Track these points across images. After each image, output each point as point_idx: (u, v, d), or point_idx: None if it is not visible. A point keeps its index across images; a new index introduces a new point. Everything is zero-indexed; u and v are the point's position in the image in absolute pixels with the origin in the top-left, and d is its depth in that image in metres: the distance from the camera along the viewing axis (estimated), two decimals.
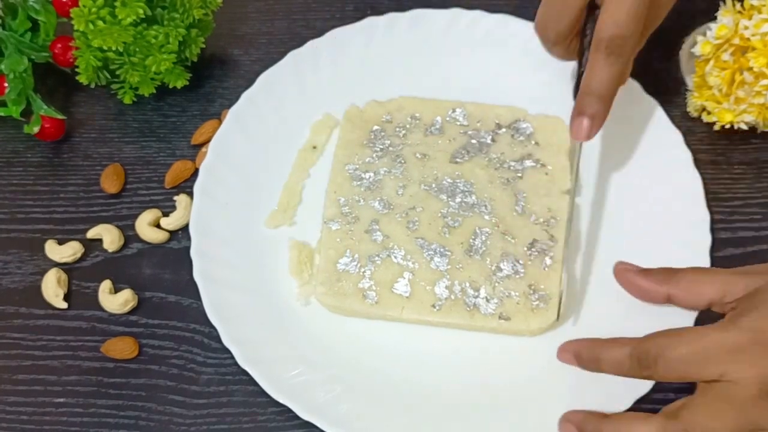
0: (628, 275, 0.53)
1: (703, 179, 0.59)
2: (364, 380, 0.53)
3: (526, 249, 0.56)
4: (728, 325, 0.45)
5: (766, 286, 0.46)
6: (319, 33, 0.66)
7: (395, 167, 0.59)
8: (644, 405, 0.51)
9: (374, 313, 0.55)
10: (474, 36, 0.66)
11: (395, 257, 0.55)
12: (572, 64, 0.58)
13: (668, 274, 0.51)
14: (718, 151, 0.63)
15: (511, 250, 0.56)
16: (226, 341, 0.53)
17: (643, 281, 0.52)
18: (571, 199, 0.57)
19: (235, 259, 0.57)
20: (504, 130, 0.61)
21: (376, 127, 0.61)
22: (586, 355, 0.49)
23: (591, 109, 0.52)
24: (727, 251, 0.59)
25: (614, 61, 0.51)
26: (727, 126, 0.60)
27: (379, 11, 0.67)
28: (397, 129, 0.61)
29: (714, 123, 0.60)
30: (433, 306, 0.54)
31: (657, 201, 0.59)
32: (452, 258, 0.55)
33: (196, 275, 0.55)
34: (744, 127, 0.60)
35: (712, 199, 0.60)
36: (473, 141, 0.60)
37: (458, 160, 0.59)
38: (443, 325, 0.55)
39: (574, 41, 0.56)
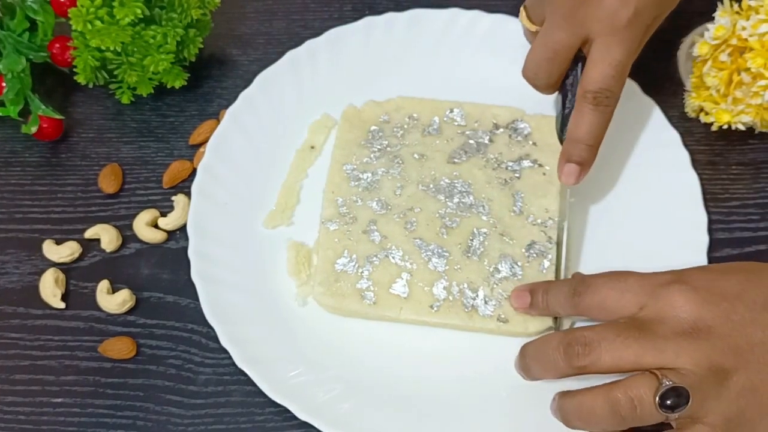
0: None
1: (701, 180, 0.59)
2: (362, 380, 0.53)
3: (524, 251, 0.56)
4: (654, 272, 0.47)
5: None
6: (318, 33, 0.66)
7: (393, 167, 0.59)
8: None
9: (372, 313, 0.55)
10: (472, 36, 0.66)
11: (393, 258, 0.55)
12: None
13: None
14: (716, 152, 0.63)
15: (509, 251, 0.56)
16: (224, 341, 0.53)
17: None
18: (564, 207, 0.58)
19: (233, 259, 0.57)
20: (502, 130, 0.61)
21: (373, 128, 0.61)
22: (541, 288, 0.52)
23: (579, 157, 0.55)
24: (724, 252, 0.59)
25: (602, 111, 0.53)
26: (725, 126, 0.60)
27: (377, 11, 0.67)
28: (395, 129, 0.61)
29: (712, 123, 0.60)
30: (431, 307, 0.54)
31: (654, 201, 0.59)
32: (450, 259, 0.55)
33: (194, 276, 0.55)
34: (741, 127, 0.60)
35: (709, 199, 0.60)
36: (471, 141, 0.60)
37: (456, 160, 0.59)
38: (441, 325, 0.55)
39: (559, 83, 0.57)
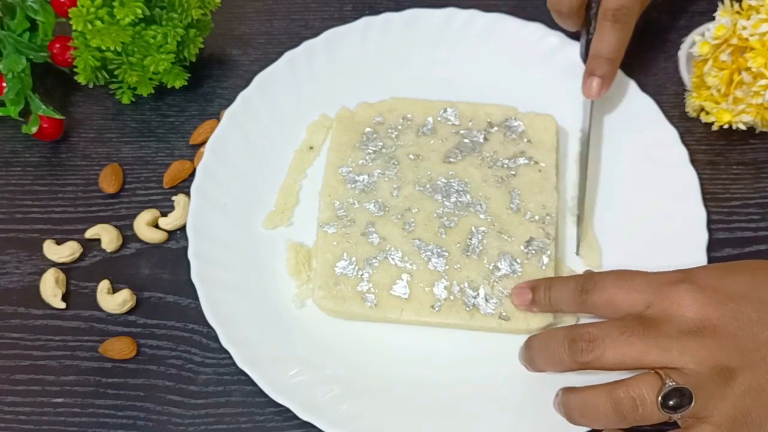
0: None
1: (701, 179, 0.59)
2: (362, 380, 0.53)
3: (522, 248, 0.56)
4: (662, 271, 0.47)
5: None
6: (318, 33, 0.66)
7: (389, 169, 0.59)
8: None
9: (374, 315, 0.54)
10: (468, 35, 0.66)
11: (393, 259, 0.55)
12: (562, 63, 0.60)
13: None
14: (717, 152, 0.63)
15: (507, 248, 0.56)
16: (225, 342, 0.53)
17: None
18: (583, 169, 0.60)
19: (233, 260, 0.57)
20: (496, 128, 0.61)
21: (368, 129, 0.61)
22: (543, 285, 0.52)
23: (601, 70, 0.60)
24: (725, 251, 0.59)
25: (620, 28, 0.59)
26: (726, 126, 0.60)
27: (377, 11, 0.67)
28: (389, 130, 0.61)
29: (712, 123, 0.60)
30: (433, 307, 0.54)
31: (654, 198, 0.59)
32: (450, 258, 0.55)
33: (194, 277, 0.55)
34: (742, 127, 0.60)
35: (710, 199, 0.60)
36: (466, 140, 0.60)
37: (451, 159, 0.59)
38: (443, 325, 0.55)
39: (582, 12, 0.61)
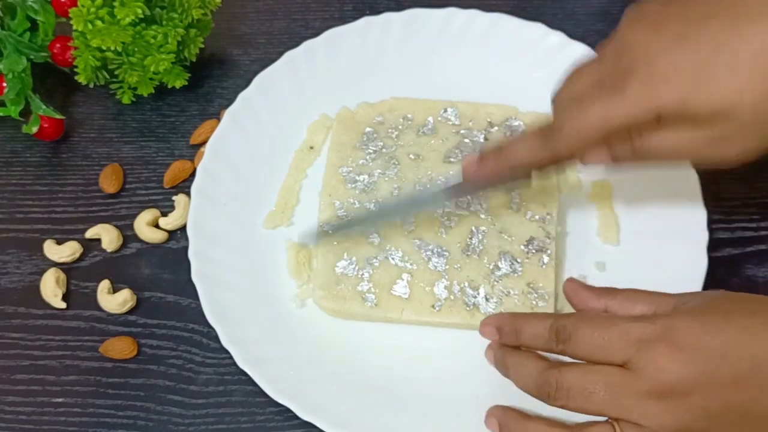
0: (575, 286, 0.51)
1: (702, 179, 0.59)
2: (363, 380, 0.53)
3: (523, 247, 0.56)
4: (644, 318, 0.44)
5: (693, 301, 0.45)
6: (318, 33, 0.66)
7: (389, 169, 0.59)
8: None
9: (374, 315, 0.54)
10: (468, 35, 0.66)
11: (393, 259, 0.55)
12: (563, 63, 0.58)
13: (609, 289, 0.50)
14: None
15: (508, 248, 0.56)
16: (225, 342, 0.53)
17: (586, 292, 0.51)
18: None
19: (233, 260, 0.57)
20: (496, 128, 0.61)
21: (368, 129, 0.61)
22: (508, 327, 0.49)
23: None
24: (726, 251, 0.59)
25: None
26: None
27: (377, 11, 0.67)
28: (390, 130, 0.61)
29: None
30: (433, 307, 0.54)
31: (654, 198, 0.59)
32: (450, 258, 0.55)
33: (194, 277, 0.55)
34: None
35: (711, 198, 0.59)
36: (466, 140, 0.60)
37: (452, 159, 0.59)
38: (443, 325, 0.55)
39: None
